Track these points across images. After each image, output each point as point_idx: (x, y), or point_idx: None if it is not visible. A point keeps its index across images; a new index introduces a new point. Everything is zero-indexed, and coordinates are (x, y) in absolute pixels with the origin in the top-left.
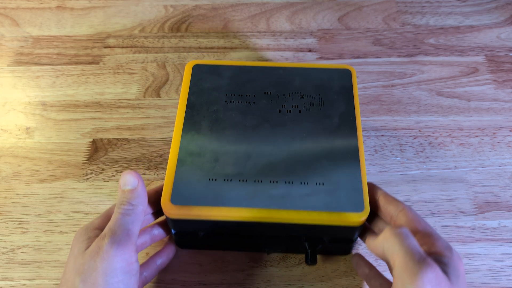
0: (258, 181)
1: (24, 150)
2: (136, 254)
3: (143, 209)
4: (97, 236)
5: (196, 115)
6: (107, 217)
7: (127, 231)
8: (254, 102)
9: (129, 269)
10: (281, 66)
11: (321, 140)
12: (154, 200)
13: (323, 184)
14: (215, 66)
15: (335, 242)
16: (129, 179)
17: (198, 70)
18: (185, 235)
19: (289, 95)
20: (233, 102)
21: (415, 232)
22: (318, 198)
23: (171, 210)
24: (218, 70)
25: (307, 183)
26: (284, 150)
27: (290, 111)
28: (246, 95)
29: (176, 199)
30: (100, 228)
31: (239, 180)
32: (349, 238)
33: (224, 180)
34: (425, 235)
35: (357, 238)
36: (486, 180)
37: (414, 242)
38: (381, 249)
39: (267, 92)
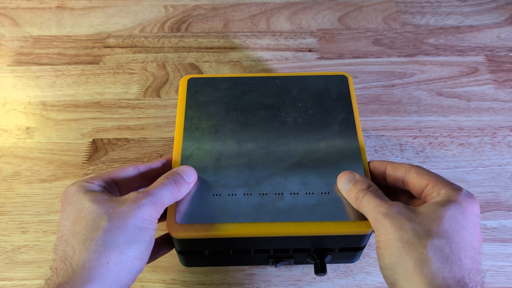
0: (263, 194)
1: (24, 150)
2: (156, 223)
3: (180, 198)
4: (102, 191)
5: (195, 129)
6: (102, 177)
7: (162, 203)
8: (252, 114)
9: (153, 224)
10: (277, 76)
11: (323, 149)
12: (160, 169)
13: (328, 193)
14: (210, 79)
15: (343, 251)
16: (190, 173)
17: (193, 84)
18: (192, 254)
19: (288, 105)
20: (231, 114)
21: (426, 185)
22: (325, 208)
23: (177, 229)
24: (214, 83)
25: (313, 193)
26: (287, 161)
27: (289, 121)
28: (244, 107)
29: (181, 217)
30: (99, 185)
31: (244, 194)
32: (358, 246)
33: (229, 194)
34: (434, 185)
35: (365, 245)
36: (486, 180)
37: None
38: (402, 175)
39: (265, 103)
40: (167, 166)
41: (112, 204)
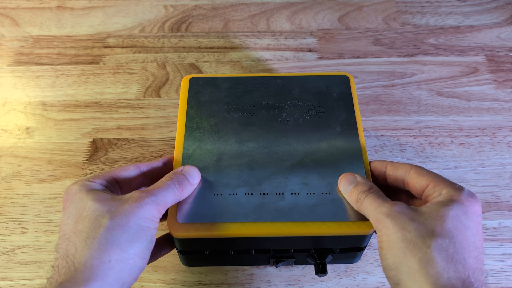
0: (264, 194)
1: (24, 150)
2: (158, 222)
3: (183, 198)
4: (103, 189)
5: (197, 129)
6: (103, 176)
7: (165, 203)
8: (254, 114)
9: (155, 224)
10: (279, 76)
11: (324, 149)
12: (162, 169)
13: (329, 193)
14: (212, 79)
15: (344, 251)
16: (194, 174)
17: (195, 83)
18: (192, 254)
19: (289, 105)
20: (233, 114)
21: (426, 186)
22: (326, 208)
23: (178, 229)
24: (215, 82)
25: (313, 193)
26: (288, 161)
27: (290, 121)
28: (246, 107)
29: (182, 217)
30: (101, 183)
31: (245, 194)
32: (358, 247)
33: (230, 194)
34: (435, 185)
35: (366, 245)
36: (486, 180)
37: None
38: (402, 175)
39: (267, 103)
40: (168, 165)
41: (115, 202)
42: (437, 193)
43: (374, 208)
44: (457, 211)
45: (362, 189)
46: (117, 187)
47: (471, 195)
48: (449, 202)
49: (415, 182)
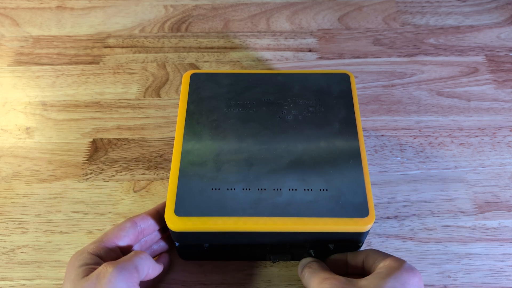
0: (261, 189)
1: (24, 150)
2: (138, 286)
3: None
4: (94, 262)
5: (197, 124)
6: (101, 243)
7: (135, 267)
8: (254, 110)
9: None
10: (279, 73)
11: (323, 146)
12: (157, 218)
13: (326, 190)
14: (213, 75)
15: (341, 248)
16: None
17: (196, 79)
18: (190, 247)
19: (289, 102)
20: (233, 110)
21: (373, 261)
22: (322, 204)
23: (175, 222)
24: (216, 78)
25: (311, 190)
26: (286, 157)
27: (290, 117)
28: (246, 103)
29: (180, 210)
30: (95, 254)
31: (243, 189)
32: (355, 244)
33: (228, 189)
34: (376, 258)
35: (363, 243)
36: (486, 180)
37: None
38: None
39: (267, 100)
40: (161, 212)
41: (86, 284)
42: (378, 265)
43: (316, 285)
44: (394, 283)
45: (306, 262)
46: (117, 250)
47: (411, 267)
48: (387, 275)
49: (369, 259)
